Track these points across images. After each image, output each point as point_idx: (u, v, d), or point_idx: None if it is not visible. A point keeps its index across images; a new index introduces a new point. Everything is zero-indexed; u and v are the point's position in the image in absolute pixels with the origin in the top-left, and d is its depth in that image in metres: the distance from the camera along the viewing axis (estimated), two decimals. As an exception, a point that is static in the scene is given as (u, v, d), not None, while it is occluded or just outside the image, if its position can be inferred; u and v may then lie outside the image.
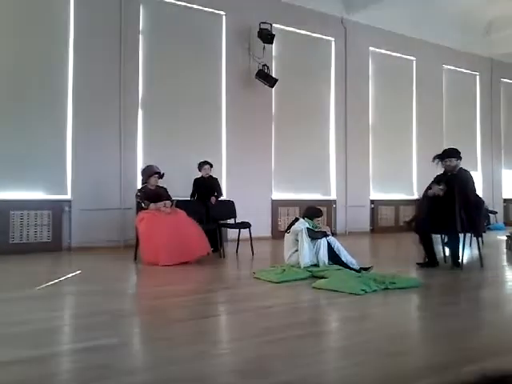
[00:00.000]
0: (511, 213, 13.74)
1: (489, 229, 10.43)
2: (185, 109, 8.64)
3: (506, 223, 12.83)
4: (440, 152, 5.89)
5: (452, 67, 12.66)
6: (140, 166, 7.89)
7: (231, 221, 7.29)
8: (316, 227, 5.58)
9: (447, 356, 2.61)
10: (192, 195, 7.30)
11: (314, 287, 4.41)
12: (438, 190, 5.58)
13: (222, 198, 7.53)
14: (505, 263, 6.61)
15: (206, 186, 7.31)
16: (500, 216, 12.83)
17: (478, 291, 4.71)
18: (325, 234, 5.38)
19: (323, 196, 10.30)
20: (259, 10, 9.21)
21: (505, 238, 7.75)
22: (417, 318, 3.72)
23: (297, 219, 5.62)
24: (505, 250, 7.43)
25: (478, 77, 13.29)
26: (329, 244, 5.32)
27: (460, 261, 5.61)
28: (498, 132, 13.78)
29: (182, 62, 8.65)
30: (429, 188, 5.85)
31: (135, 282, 5.43)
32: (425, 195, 5.90)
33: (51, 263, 6.36)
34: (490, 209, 11.65)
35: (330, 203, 10.21)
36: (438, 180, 5.84)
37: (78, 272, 5.34)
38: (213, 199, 7.18)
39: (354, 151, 10.67)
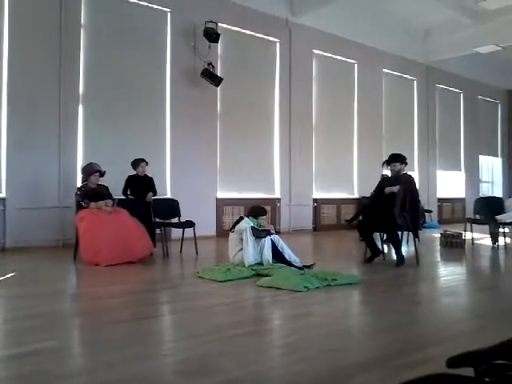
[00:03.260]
0: (445, 211, 14.45)
1: (424, 227, 10.90)
2: (128, 106, 8.43)
3: (440, 221, 13.48)
4: (379, 154, 6.27)
5: (391, 72, 13.14)
6: (80, 163, 7.64)
7: (175, 220, 7.20)
8: (260, 226, 5.63)
9: (388, 348, 2.71)
10: (124, 193, 7.11)
11: (258, 285, 4.45)
12: (396, 188, 5.87)
13: (166, 197, 7.38)
14: (439, 260, 6.94)
15: (142, 185, 7.13)
16: (434, 215, 13.45)
17: (415, 286, 4.92)
18: (269, 233, 5.45)
19: (267, 195, 10.39)
20: (205, 8, 9.14)
21: (439, 235, 8.15)
22: (358, 313, 3.84)
23: (241, 218, 5.65)
24: (439, 247, 7.82)
25: (415, 82, 13.87)
26: (273, 242, 5.38)
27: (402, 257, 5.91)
28: (434, 135, 14.45)
29: (125, 58, 8.43)
30: (378, 188, 6.17)
31: (74, 282, 5.25)
32: (375, 194, 6.18)
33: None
34: (426, 208, 12.18)
35: (274, 202, 10.32)
36: (383, 180, 6.21)
37: (13, 274, 5.09)
38: (150, 195, 7.02)
39: (298, 151, 10.83)
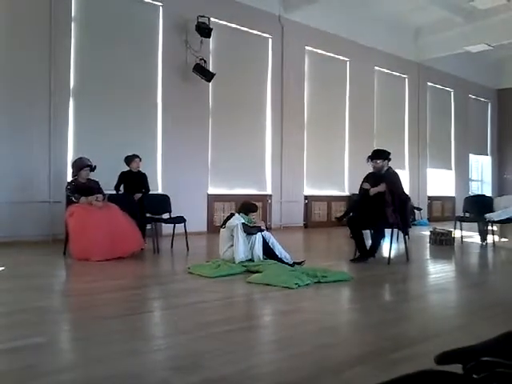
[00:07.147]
0: (434, 209, 14.55)
1: (414, 225, 10.97)
2: (119, 100, 8.36)
3: (430, 219, 13.57)
4: (370, 152, 6.25)
5: (383, 69, 13.17)
6: (70, 158, 7.58)
7: (166, 215, 7.17)
8: (251, 222, 5.63)
9: (378, 345, 2.73)
10: (116, 188, 7.07)
11: (248, 282, 4.45)
12: (381, 187, 5.85)
13: (157, 193, 7.35)
14: (428, 257, 6.99)
15: (135, 181, 7.09)
16: (424, 212, 13.54)
17: (405, 283, 4.95)
18: (260, 229, 5.44)
19: (259, 191, 10.39)
20: (197, 2, 9.09)
21: (428, 233, 8.20)
22: (348, 310, 3.85)
23: (232, 214, 5.64)
24: (428, 245, 7.87)
25: (406, 79, 13.93)
26: (264, 239, 5.38)
27: (376, 253, 6.01)
28: (424, 133, 14.53)
29: (117, 52, 8.36)
30: (362, 188, 6.15)
31: (64, 277, 5.22)
32: (362, 193, 6.17)
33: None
34: (416, 206, 12.25)
35: (265, 198, 10.33)
36: (367, 178, 6.16)
37: (2, 268, 5.05)
38: (137, 195, 6.98)
39: (290, 148, 10.84)
